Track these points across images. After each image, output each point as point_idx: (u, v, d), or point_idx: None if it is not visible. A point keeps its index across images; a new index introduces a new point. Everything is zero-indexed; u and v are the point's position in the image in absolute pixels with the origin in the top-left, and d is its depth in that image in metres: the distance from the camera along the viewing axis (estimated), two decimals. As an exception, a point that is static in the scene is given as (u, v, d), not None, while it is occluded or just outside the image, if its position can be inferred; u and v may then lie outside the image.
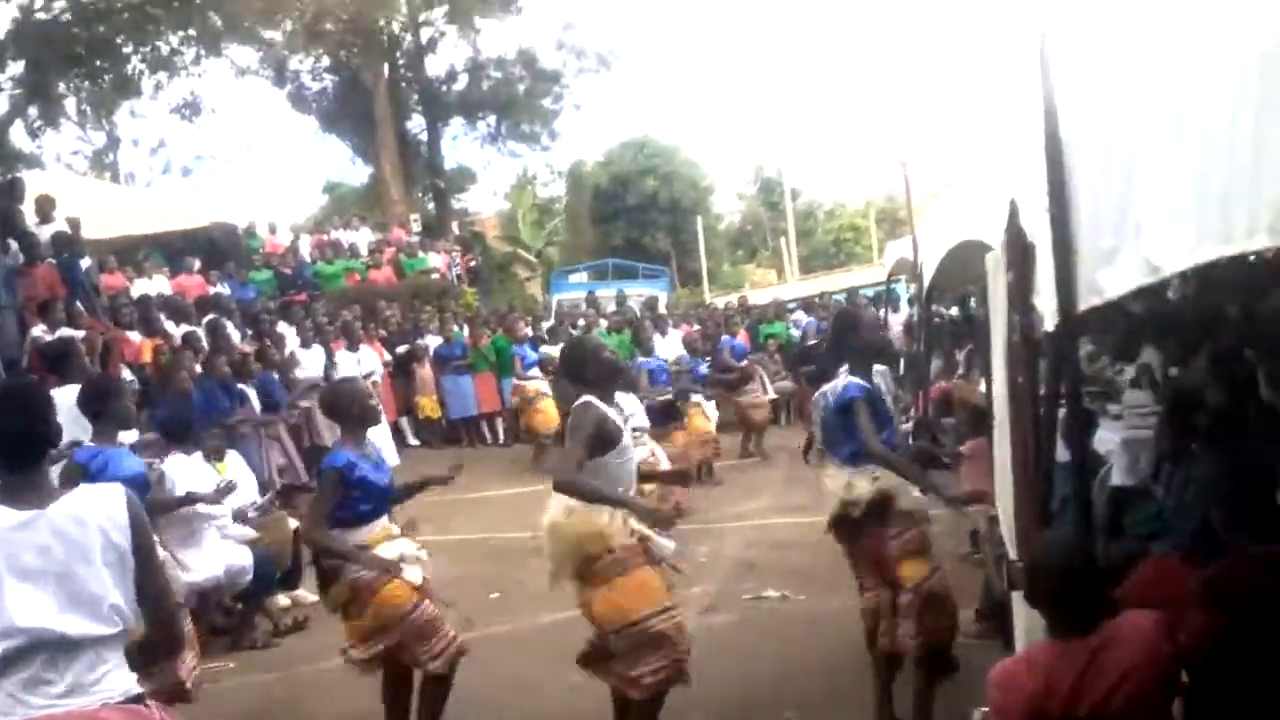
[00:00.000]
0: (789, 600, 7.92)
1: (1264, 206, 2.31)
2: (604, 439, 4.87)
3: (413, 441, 16.07)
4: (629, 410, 8.65)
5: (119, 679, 2.81)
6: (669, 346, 15.47)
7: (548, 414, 14.46)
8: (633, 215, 37.05)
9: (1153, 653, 2.99)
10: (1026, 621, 3.59)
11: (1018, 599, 3.71)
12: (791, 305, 20.58)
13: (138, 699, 2.84)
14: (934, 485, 5.39)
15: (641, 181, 37.13)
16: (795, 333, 18.36)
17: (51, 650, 2.71)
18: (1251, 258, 12.82)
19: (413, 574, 5.25)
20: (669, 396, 12.30)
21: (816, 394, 5.75)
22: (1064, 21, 3.61)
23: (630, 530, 4.78)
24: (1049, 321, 3.72)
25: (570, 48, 32.71)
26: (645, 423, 9.35)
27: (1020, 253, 3.86)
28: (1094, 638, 3.00)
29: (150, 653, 3.06)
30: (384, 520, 5.37)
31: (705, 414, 13.19)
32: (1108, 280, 3.34)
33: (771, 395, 15.67)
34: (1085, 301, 3.52)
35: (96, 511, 2.81)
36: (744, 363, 15.56)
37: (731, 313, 19.65)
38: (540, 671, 6.60)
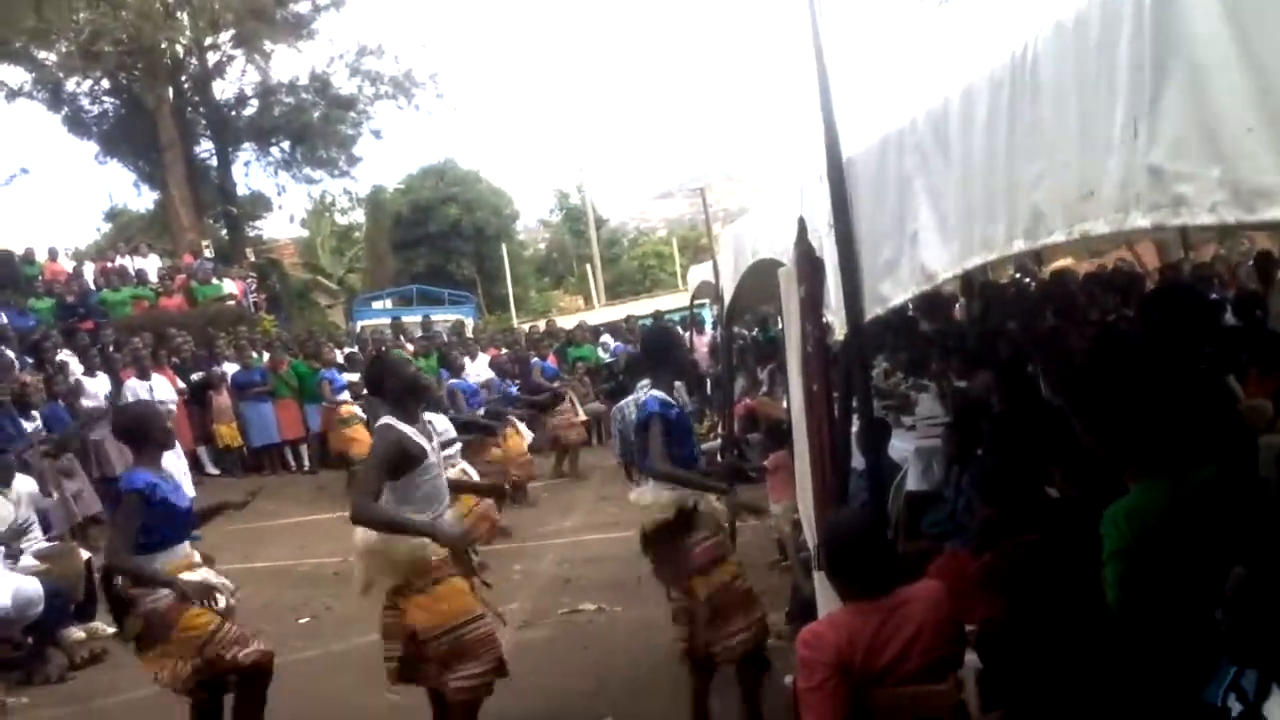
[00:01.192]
0: (605, 612, 8.05)
1: (1020, 214, 2.58)
2: (406, 459, 4.84)
3: (212, 470, 15.55)
4: (440, 428, 8.68)
5: None
6: (478, 369, 15.52)
7: (361, 439, 14.28)
8: (436, 242, 36.79)
9: (940, 613, 3.31)
10: (828, 605, 3.84)
11: (821, 589, 3.96)
12: (600, 329, 20.87)
13: None
14: (718, 489, 5.52)
15: (443, 209, 36.90)
16: (604, 355, 18.65)
17: None
18: (1026, 280, 13.85)
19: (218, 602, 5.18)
20: (480, 416, 12.36)
21: (614, 408, 5.86)
22: (841, 45, 3.87)
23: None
24: (839, 332, 4.02)
25: (365, 73, 32.21)
26: (457, 443, 9.35)
27: (810, 267, 4.15)
28: (888, 600, 3.29)
29: None
30: (186, 546, 5.24)
31: (520, 433, 13.28)
32: (889, 289, 3.65)
33: (583, 416, 15.87)
34: (870, 311, 3.82)
35: None
36: (556, 384, 15.73)
37: (539, 336, 19.79)
38: (358, 692, 6.55)
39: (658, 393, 5.34)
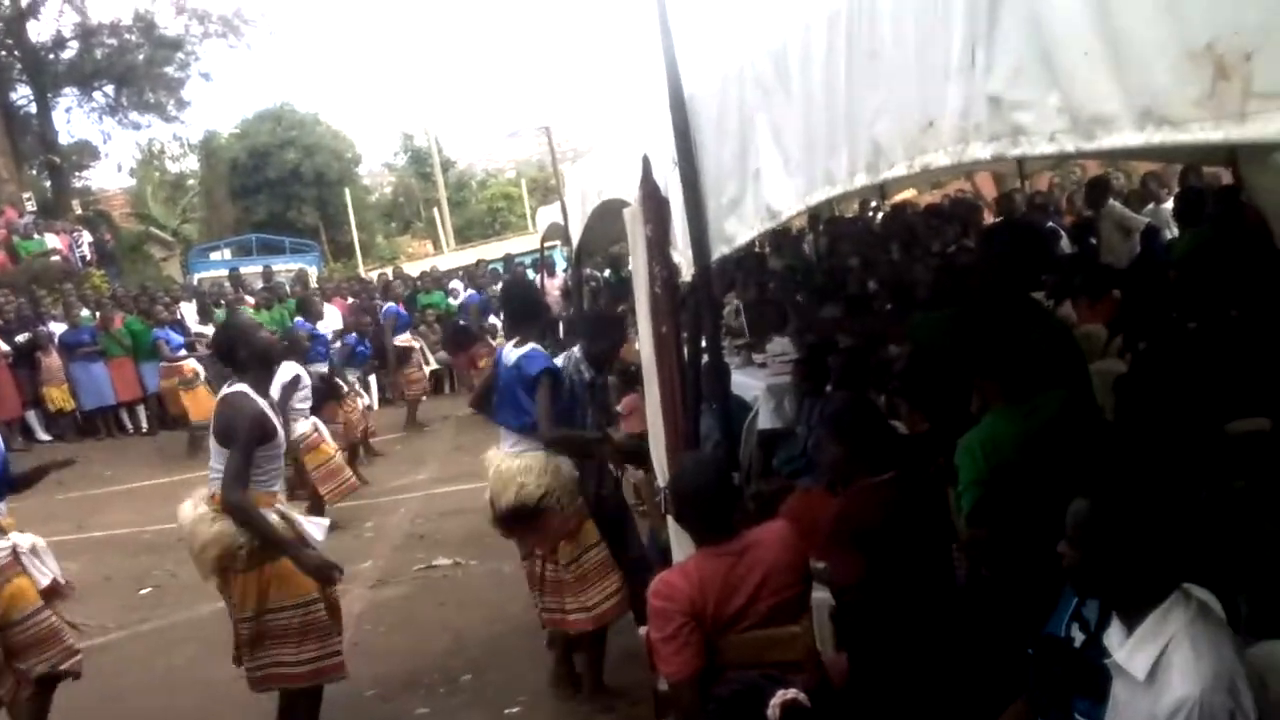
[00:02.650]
0: (461, 567, 7.95)
1: (861, 148, 2.53)
2: (263, 434, 4.56)
3: (43, 436, 14.80)
4: (303, 381, 8.39)
5: None
6: (328, 322, 15.07)
7: (200, 400, 13.77)
8: (275, 189, 35.47)
9: (788, 553, 3.32)
10: (681, 553, 3.82)
11: (675, 536, 3.93)
12: (449, 275, 20.49)
13: None
14: (603, 451, 5.42)
15: (282, 154, 35.54)
16: (453, 302, 18.32)
17: None
18: (868, 215, 14.10)
19: (42, 571, 4.88)
20: (324, 370, 11.98)
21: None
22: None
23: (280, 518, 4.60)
24: (687, 271, 3.95)
25: (192, 12, 30.69)
26: (309, 402, 9.05)
27: (655, 207, 4.07)
28: (737, 543, 3.27)
29: None
30: (1, 509, 4.96)
31: (359, 394, 13.02)
32: (734, 228, 3.59)
33: (433, 366, 15.59)
34: (717, 250, 3.77)
35: None
36: (406, 336, 15.41)
37: (390, 281, 19.19)
38: (201, 663, 6.34)
39: (538, 347, 5.22)
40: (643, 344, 4.55)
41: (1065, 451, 3.25)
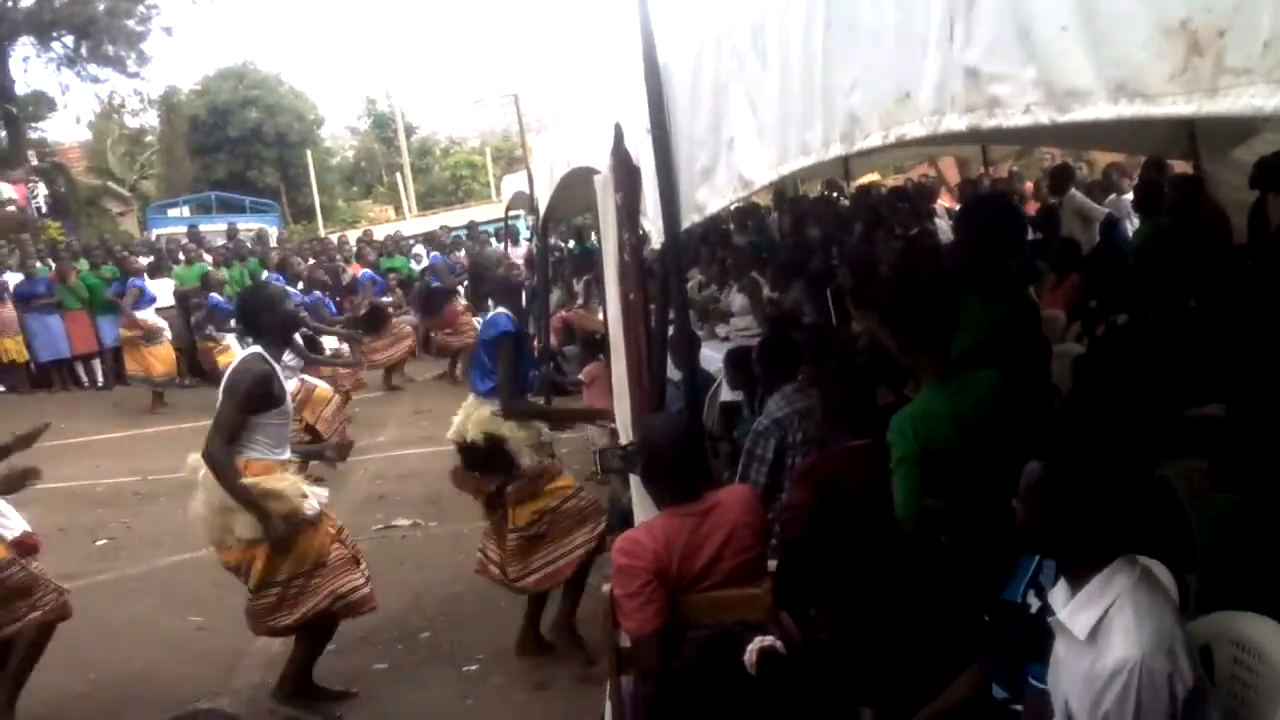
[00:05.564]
0: (420, 528, 7.98)
1: (836, 118, 2.56)
2: (269, 398, 4.68)
3: (-3, 388, 14.65)
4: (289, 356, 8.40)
5: None
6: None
7: (162, 356, 13.67)
8: (236, 147, 34.96)
9: (752, 514, 3.38)
10: (644, 514, 3.86)
11: (638, 498, 3.97)
12: (411, 240, 20.37)
13: None
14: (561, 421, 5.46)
15: (243, 113, 35.00)
16: (415, 267, 18.22)
17: None
18: (833, 194, 14.19)
19: (7, 526, 4.87)
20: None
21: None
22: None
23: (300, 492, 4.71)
24: (656, 240, 3.98)
25: (154, -37, 30.18)
26: (300, 362, 9.14)
27: (627, 175, 4.09)
28: (701, 504, 3.33)
29: None
30: None
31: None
32: (706, 197, 3.62)
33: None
34: (688, 219, 3.80)
35: None
36: (383, 299, 15.30)
37: (363, 245, 19.04)
38: (159, 614, 6.36)
39: (504, 311, 5.27)
40: (610, 310, 4.59)
41: (995, 430, 3.31)
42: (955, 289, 3.84)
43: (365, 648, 5.73)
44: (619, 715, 3.49)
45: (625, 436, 4.35)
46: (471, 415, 5.31)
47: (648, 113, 3.74)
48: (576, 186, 6.42)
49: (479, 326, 5.47)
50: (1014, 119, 1.83)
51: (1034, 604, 2.56)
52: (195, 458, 4.74)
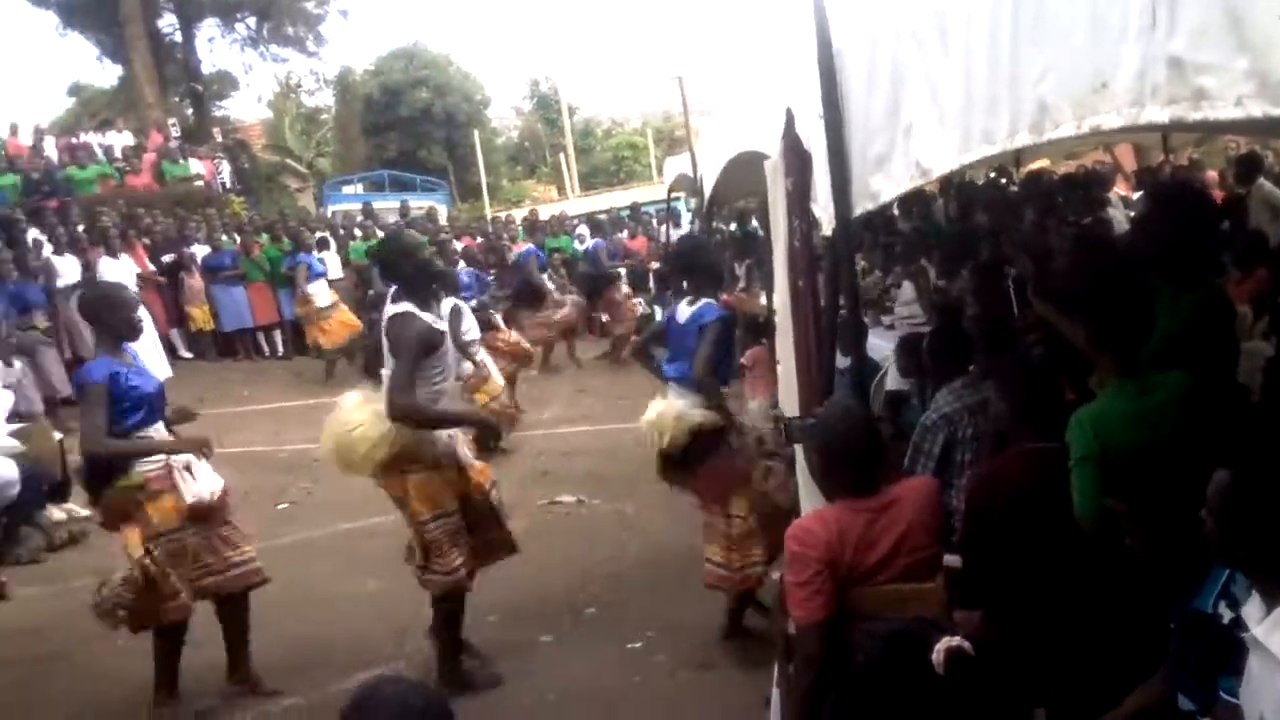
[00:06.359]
0: (584, 505, 8.09)
1: (1024, 107, 2.49)
2: (428, 346, 4.82)
3: (185, 354, 15.46)
4: (463, 312, 8.61)
5: None
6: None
7: (332, 329, 14.19)
8: (407, 127, 36.03)
9: (930, 511, 3.31)
10: (811, 501, 3.83)
11: (804, 485, 3.94)
12: (575, 220, 20.62)
13: None
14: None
15: (414, 93, 36.06)
16: (579, 247, 18.46)
17: None
18: (1003, 180, 13.78)
19: (197, 488, 4.99)
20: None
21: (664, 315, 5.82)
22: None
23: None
24: (827, 227, 3.94)
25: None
26: (476, 333, 9.32)
27: (798, 160, 4.05)
28: (878, 499, 3.28)
29: None
30: (160, 428, 5.03)
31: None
32: (880, 184, 3.56)
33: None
34: (860, 206, 3.74)
35: None
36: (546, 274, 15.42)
37: (530, 223, 19.29)
38: (337, 578, 6.62)
39: (709, 300, 5.36)
40: (777, 296, 4.57)
41: (1185, 434, 3.16)
42: (1146, 281, 3.67)
43: (531, 620, 5.87)
44: (785, 700, 3.49)
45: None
46: (671, 412, 5.29)
47: (820, 98, 3.70)
48: (742, 170, 6.40)
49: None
50: (1224, 112, 1.76)
51: (1226, 615, 2.46)
52: (350, 398, 4.96)
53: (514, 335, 11.48)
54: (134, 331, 5.05)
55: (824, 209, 3.92)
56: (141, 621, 5.00)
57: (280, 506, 8.60)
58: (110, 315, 4.97)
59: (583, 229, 19.68)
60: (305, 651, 5.66)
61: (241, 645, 5.27)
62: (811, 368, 4.03)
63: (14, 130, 20.20)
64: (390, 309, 4.90)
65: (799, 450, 3.89)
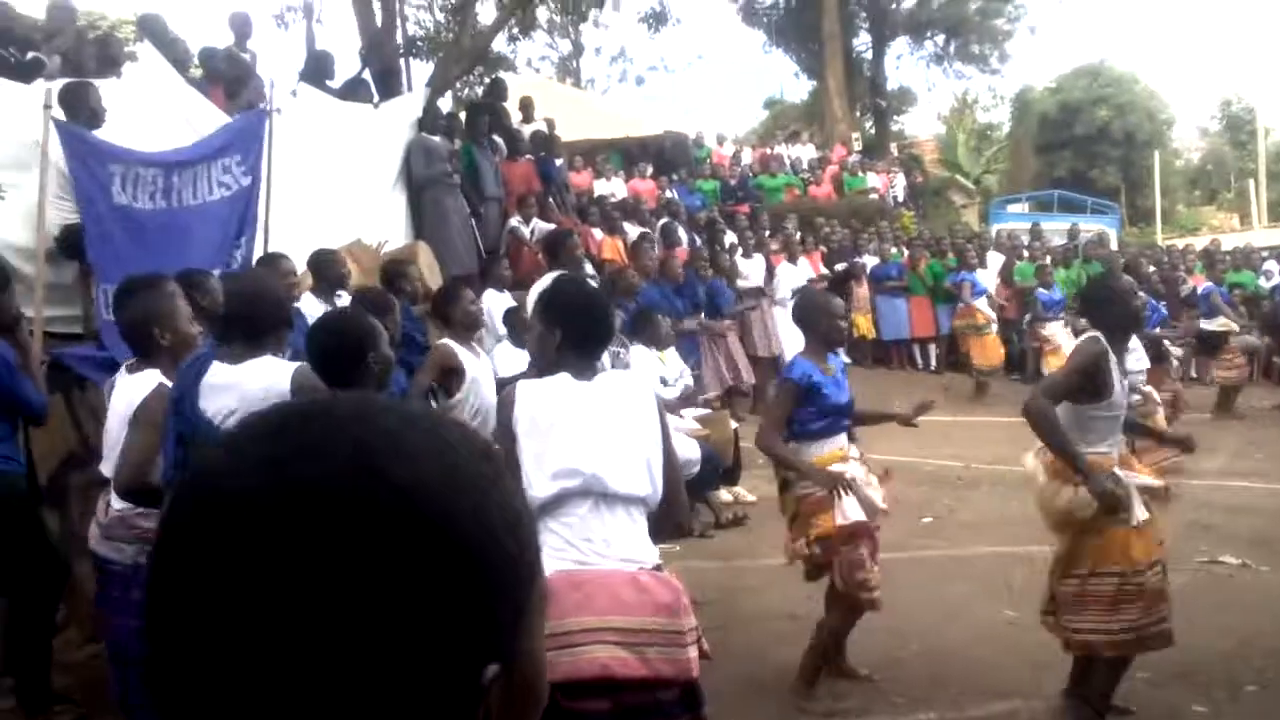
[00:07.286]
0: (1249, 569, 7.42)
1: None
2: (1096, 384, 4.64)
3: (844, 359, 16.28)
4: (1134, 357, 8.34)
5: (649, 545, 3.18)
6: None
7: (988, 347, 14.22)
8: (1080, 146, 34.89)
9: None
10: None
11: None
12: (1263, 254, 18.71)
13: (657, 569, 3.20)
14: None
15: (1093, 111, 34.79)
16: (1265, 284, 16.75)
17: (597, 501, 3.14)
18: None
19: (857, 506, 5.11)
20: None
21: None
22: None
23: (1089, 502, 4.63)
24: None
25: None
26: (1144, 364, 9.02)
27: None
28: None
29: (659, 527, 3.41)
30: (841, 440, 5.29)
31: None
32: None
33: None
34: None
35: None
36: (1221, 320, 14.28)
37: (1209, 254, 18.03)
38: (974, 601, 6.62)
39: None
40: None
41: None
42: None
43: (1183, 685, 5.49)
44: None
45: None
46: None
47: None
48: None
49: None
50: None
51: None
52: (1031, 459, 4.86)
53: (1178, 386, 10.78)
54: (838, 335, 5.47)
55: None
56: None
57: (924, 520, 8.78)
58: (816, 319, 5.36)
59: (1270, 264, 17.81)
60: (941, 666, 5.69)
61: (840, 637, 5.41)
62: None
63: (720, 141, 22.61)
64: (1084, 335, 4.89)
65: None
